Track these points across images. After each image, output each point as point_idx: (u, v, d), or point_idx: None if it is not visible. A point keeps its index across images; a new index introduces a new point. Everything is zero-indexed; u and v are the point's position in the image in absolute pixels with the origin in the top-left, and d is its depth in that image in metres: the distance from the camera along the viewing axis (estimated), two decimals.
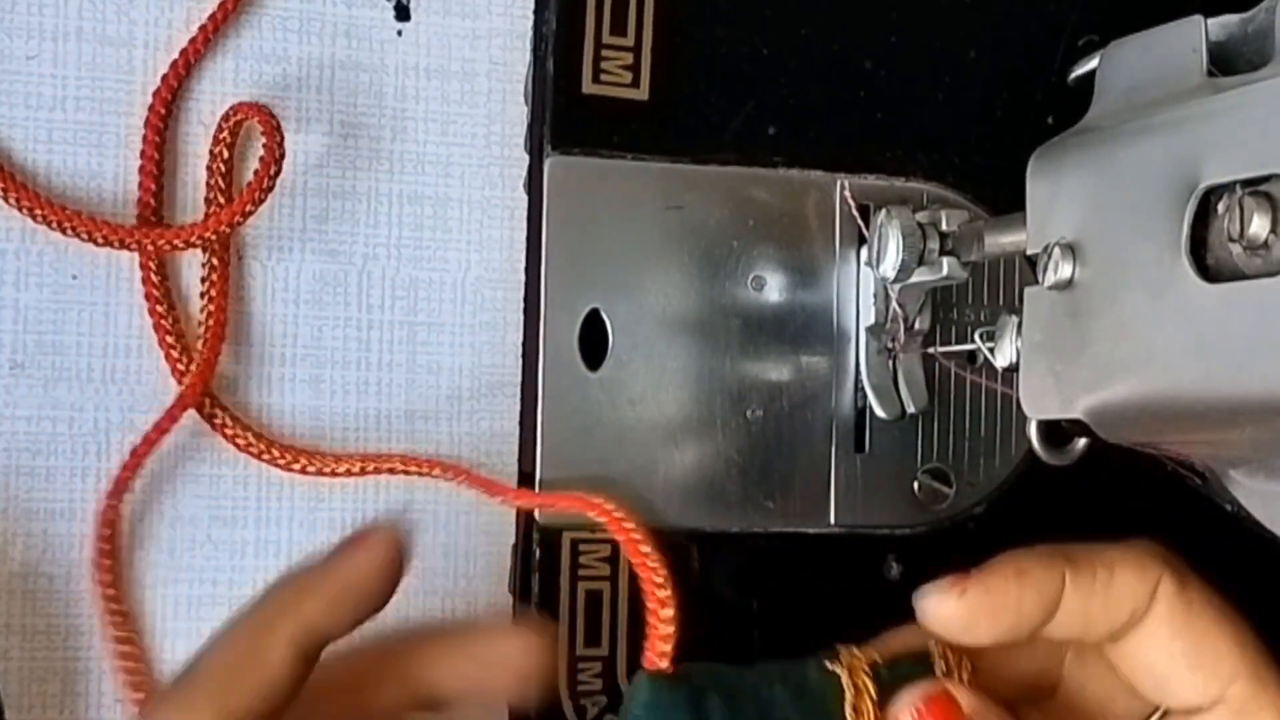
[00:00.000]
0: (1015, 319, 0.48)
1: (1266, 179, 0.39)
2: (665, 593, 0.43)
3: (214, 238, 0.47)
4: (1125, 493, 0.55)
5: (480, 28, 0.52)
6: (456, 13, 0.51)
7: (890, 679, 0.47)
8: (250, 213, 0.47)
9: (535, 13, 0.51)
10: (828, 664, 0.47)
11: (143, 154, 0.48)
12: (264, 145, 0.47)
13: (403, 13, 0.51)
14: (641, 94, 0.51)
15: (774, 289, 0.52)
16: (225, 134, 0.48)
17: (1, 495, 0.48)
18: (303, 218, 0.50)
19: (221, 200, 0.48)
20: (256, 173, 0.47)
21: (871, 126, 0.53)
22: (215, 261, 0.48)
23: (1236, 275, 0.40)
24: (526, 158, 0.51)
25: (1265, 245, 0.39)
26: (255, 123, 0.47)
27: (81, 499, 0.48)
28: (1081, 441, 0.50)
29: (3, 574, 0.47)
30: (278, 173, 0.47)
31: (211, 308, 0.48)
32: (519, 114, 0.52)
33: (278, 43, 0.50)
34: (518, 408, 0.51)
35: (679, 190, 0.52)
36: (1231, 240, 0.40)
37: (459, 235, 0.51)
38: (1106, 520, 0.55)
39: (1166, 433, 0.45)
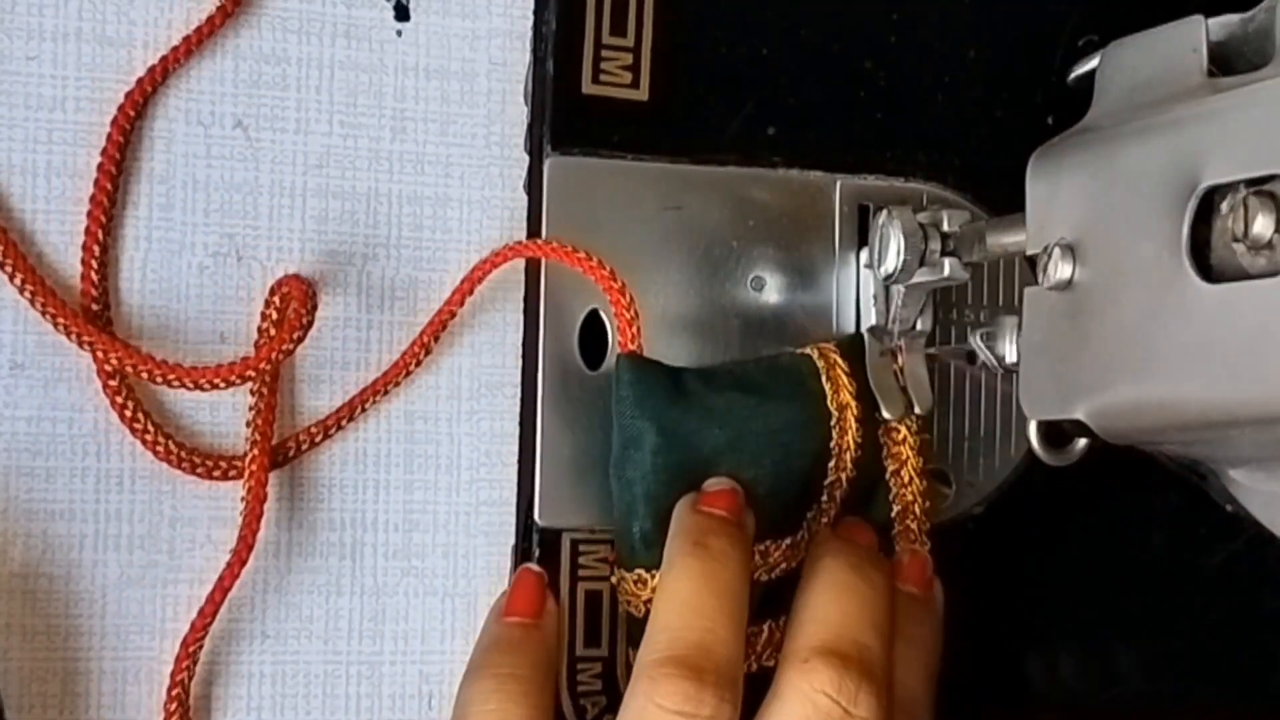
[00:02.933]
0: (1015, 319, 0.48)
1: (1270, 179, 0.39)
2: (632, 312, 0.48)
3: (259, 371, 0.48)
4: (1125, 493, 0.55)
5: (480, 28, 0.51)
6: (456, 13, 0.51)
7: (858, 352, 0.51)
8: (282, 356, 0.48)
9: (535, 13, 0.51)
10: (795, 350, 0.51)
11: (103, 152, 0.48)
12: (294, 311, 0.48)
13: (402, 13, 0.51)
14: (641, 94, 0.51)
15: (774, 289, 0.52)
16: (272, 309, 0.49)
17: (1, 495, 0.48)
18: (302, 218, 0.50)
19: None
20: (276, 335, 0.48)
21: (871, 126, 0.53)
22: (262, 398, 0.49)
23: (1239, 275, 0.40)
24: (526, 158, 0.51)
25: (1269, 245, 0.39)
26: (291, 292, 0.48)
27: (81, 499, 0.48)
28: (1081, 442, 0.50)
29: (2, 574, 0.47)
30: (300, 338, 0.48)
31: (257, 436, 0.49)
32: (519, 114, 0.52)
33: (277, 43, 0.50)
34: (518, 408, 0.51)
35: (679, 190, 0.52)
36: (1235, 240, 0.40)
37: (459, 235, 0.51)
38: (1106, 520, 0.55)
39: (1166, 433, 0.45)
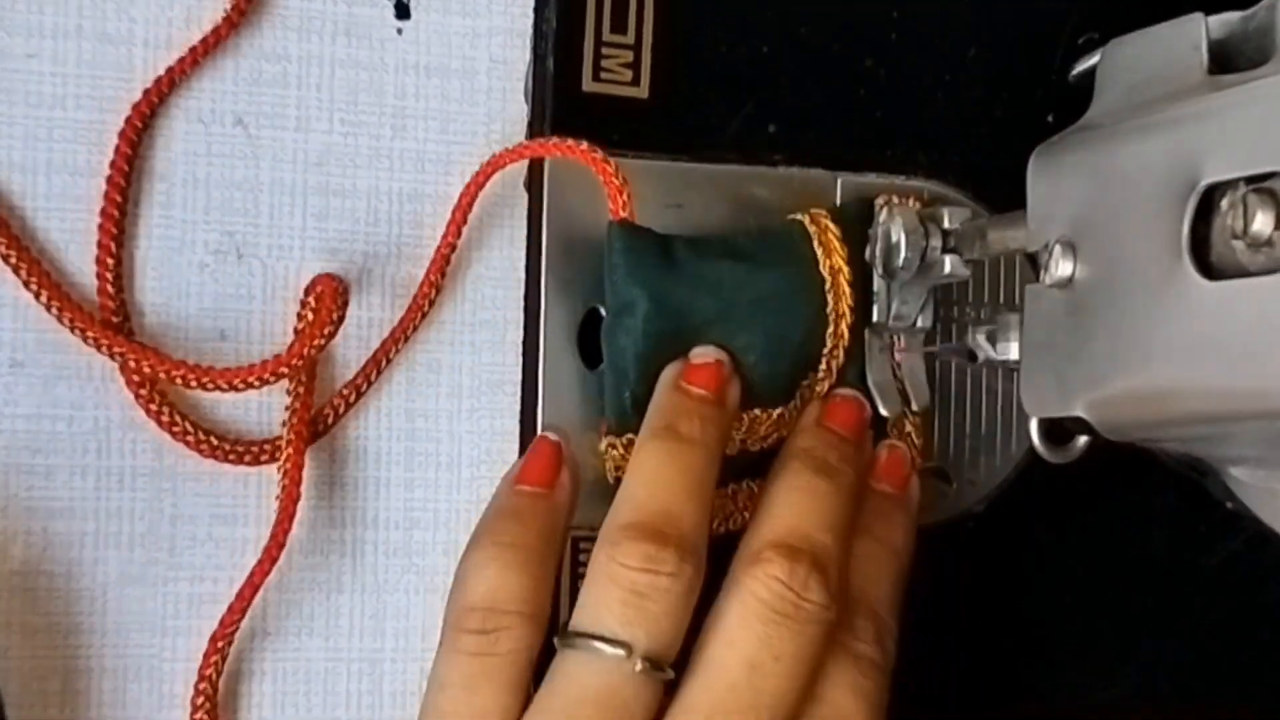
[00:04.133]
0: (1016, 316, 0.48)
1: (1270, 176, 0.39)
2: (621, 179, 0.48)
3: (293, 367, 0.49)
4: (1125, 491, 0.55)
5: (480, 26, 0.51)
6: (456, 11, 0.51)
7: (849, 217, 0.51)
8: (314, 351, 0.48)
9: (535, 11, 0.51)
10: (789, 217, 0.51)
11: (112, 164, 0.48)
12: (326, 308, 0.48)
13: (402, 11, 0.51)
14: (641, 92, 0.51)
15: None
16: (307, 308, 0.49)
17: (1, 493, 0.48)
18: (303, 216, 0.50)
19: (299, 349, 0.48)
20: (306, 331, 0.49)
21: (872, 125, 0.54)
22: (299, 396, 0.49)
23: (1239, 272, 0.40)
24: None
25: (1269, 242, 0.39)
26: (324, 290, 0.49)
27: (81, 497, 0.48)
28: (1082, 439, 0.50)
29: (2, 572, 0.47)
30: (332, 334, 0.48)
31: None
32: (519, 112, 0.52)
33: (277, 41, 0.50)
34: (518, 407, 0.51)
35: (679, 189, 0.52)
36: (1235, 237, 0.40)
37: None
38: (1107, 518, 0.55)
39: (1167, 430, 0.45)
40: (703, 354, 0.48)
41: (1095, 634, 0.56)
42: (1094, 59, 0.48)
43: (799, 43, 0.53)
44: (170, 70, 0.48)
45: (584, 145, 0.48)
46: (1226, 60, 0.43)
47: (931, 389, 0.52)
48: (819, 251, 0.50)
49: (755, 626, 0.44)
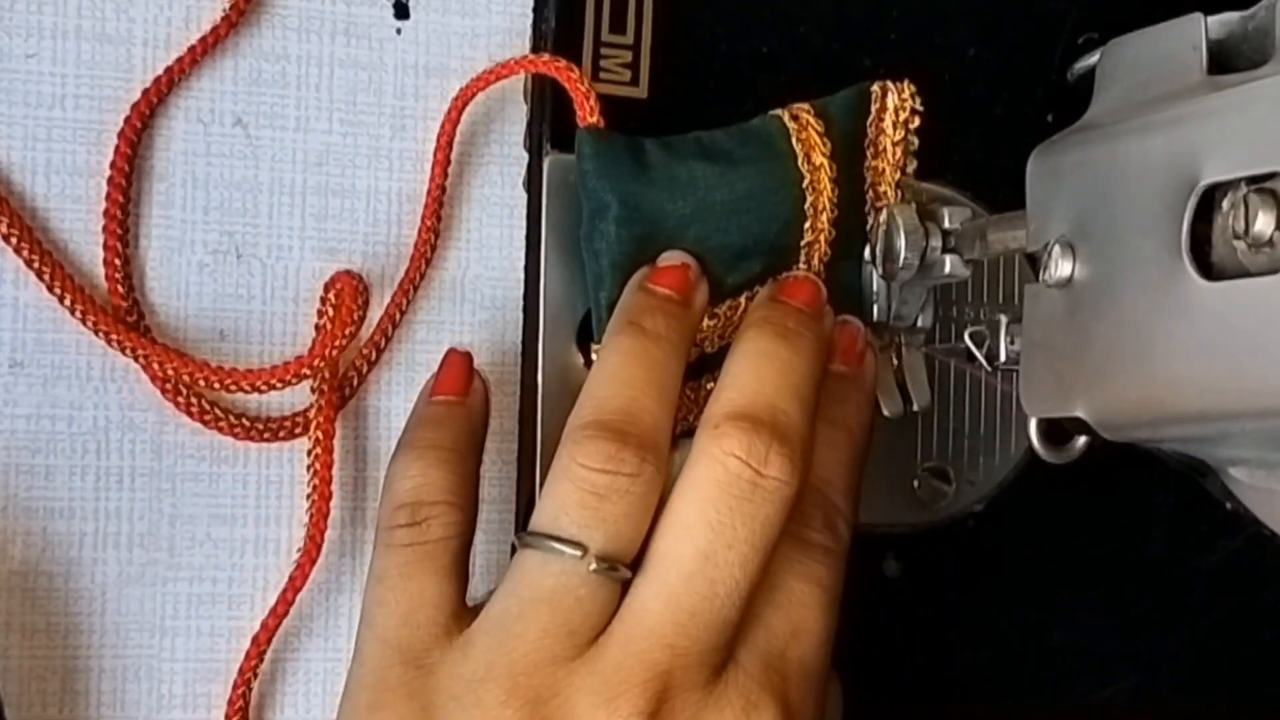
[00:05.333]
0: (1007, 317, 0.49)
1: (1271, 176, 0.39)
2: (586, 87, 0.48)
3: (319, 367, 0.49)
4: (1125, 491, 0.55)
5: (479, 26, 0.51)
6: (456, 11, 0.51)
7: (834, 112, 0.50)
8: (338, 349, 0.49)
9: (534, 11, 0.51)
10: (768, 113, 0.50)
11: (113, 165, 0.48)
12: (346, 307, 0.49)
13: (402, 11, 0.51)
14: (641, 92, 0.51)
15: None
16: (328, 305, 0.50)
17: (1, 493, 0.48)
18: (302, 216, 0.50)
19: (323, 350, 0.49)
20: (329, 327, 0.49)
21: None
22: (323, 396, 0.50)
23: (1240, 272, 0.40)
24: (526, 156, 0.51)
25: (1270, 242, 0.39)
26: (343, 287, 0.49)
27: (81, 497, 0.48)
28: (1081, 440, 0.50)
29: (2, 572, 0.47)
30: (354, 333, 0.49)
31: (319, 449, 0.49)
32: (518, 112, 0.52)
33: (277, 41, 0.50)
34: (517, 406, 0.51)
35: None
36: (1235, 237, 0.40)
37: (458, 234, 0.51)
38: (1107, 519, 0.55)
39: (1166, 431, 0.45)
40: (670, 257, 0.48)
41: (1095, 634, 0.56)
42: (1094, 59, 0.48)
43: (799, 43, 0.53)
44: (170, 70, 0.48)
45: (545, 58, 0.49)
46: (1226, 60, 0.43)
47: (931, 389, 0.52)
48: (797, 148, 0.49)
49: (709, 513, 0.43)
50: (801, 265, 0.50)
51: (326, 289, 0.49)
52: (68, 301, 0.47)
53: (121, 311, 0.48)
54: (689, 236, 0.48)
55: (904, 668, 0.51)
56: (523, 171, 0.51)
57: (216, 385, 0.48)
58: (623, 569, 0.43)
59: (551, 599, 0.43)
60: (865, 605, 0.52)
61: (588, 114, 0.48)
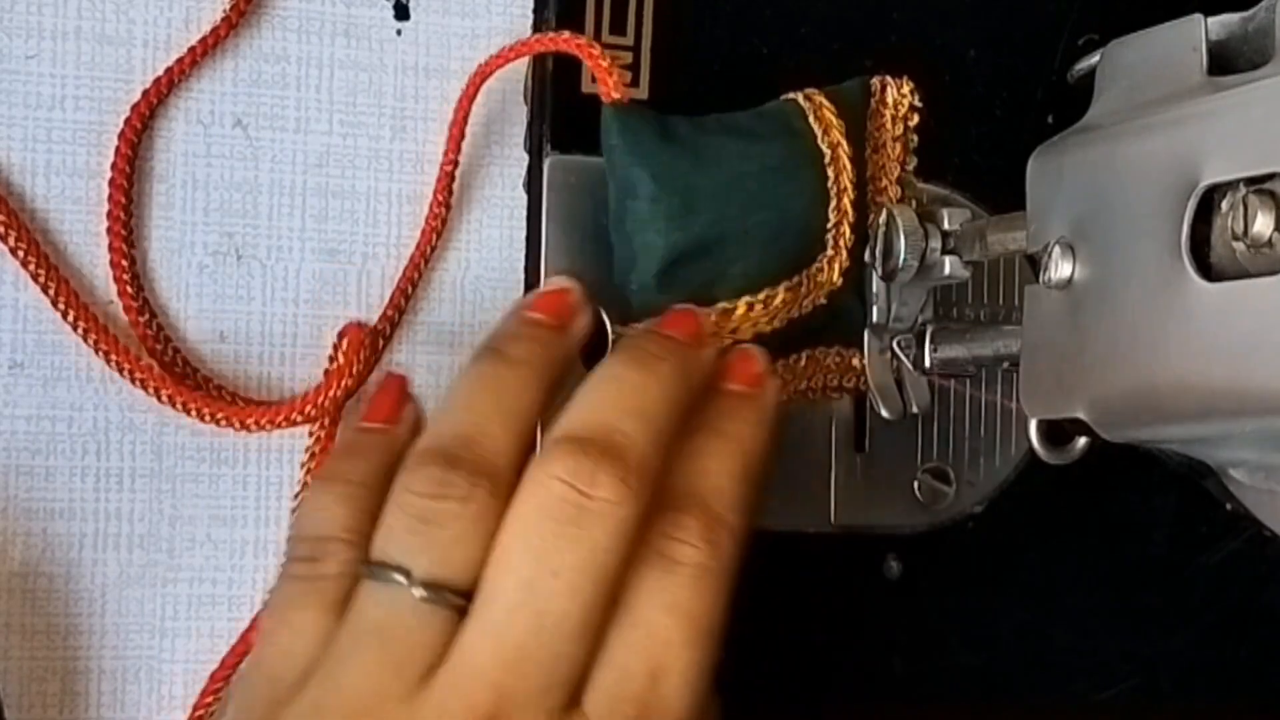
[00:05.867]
0: (931, 326, 0.50)
1: (1270, 177, 0.39)
2: (608, 61, 0.48)
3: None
4: (1125, 492, 0.55)
5: (480, 27, 0.51)
6: (456, 12, 0.51)
7: (845, 98, 0.50)
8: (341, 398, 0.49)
9: (534, 12, 0.51)
10: (781, 97, 0.50)
11: (113, 166, 0.48)
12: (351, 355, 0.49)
13: (402, 12, 0.51)
14: (641, 93, 0.51)
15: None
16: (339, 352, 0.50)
17: (1, 494, 0.48)
18: (302, 217, 0.50)
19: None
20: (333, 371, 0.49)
21: None
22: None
23: (1239, 274, 0.40)
24: (526, 157, 0.51)
25: (1269, 243, 0.39)
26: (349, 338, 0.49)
27: (81, 498, 0.48)
28: (1082, 441, 0.50)
29: (2, 573, 0.47)
30: (361, 379, 0.49)
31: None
32: (519, 113, 0.52)
33: (276, 42, 0.50)
34: None
35: None
36: (1235, 239, 0.40)
37: (459, 235, 0.51)
38: (1107, 520, 0.55)
39: (1166, 432, 0.45)
40: (552, 283, 0.47)
41: (1095, 635, 0.56)
42: (1094, 60, 0.48)
43: (799, 43, 0.53)
44: (170, 70, 0.48)
45: (566, 35, 0.49)
46: (1226, 61, 0.43)
47: (931, 390, 0.52)
48: (815, 126, 0.49)
49: (530, 539, 0.41)
50: (830, 248, 0.49)
51: (339, 336, 0.50)
52: (70, 319, 0.48)
53: (132, 312, 0.48)
54: (725, 212, 0.48)
55: (904, 668, 0.51)
56: (523, 173, 0.51)
57: (221, 421, 0.48)
58: (453, 597, 0.41)
59: (379, 631, 0.41)
60: (865, 606, 0.53)
61: (611, 89, 0.48)
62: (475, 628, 0.41)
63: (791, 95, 0.50)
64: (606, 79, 0.48)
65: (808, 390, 0.50)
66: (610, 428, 0.42)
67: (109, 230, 0.48)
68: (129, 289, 0.48)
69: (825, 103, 0.50)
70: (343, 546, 0.43)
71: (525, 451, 0.43)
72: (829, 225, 0.49)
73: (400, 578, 0.41)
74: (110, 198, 0.48)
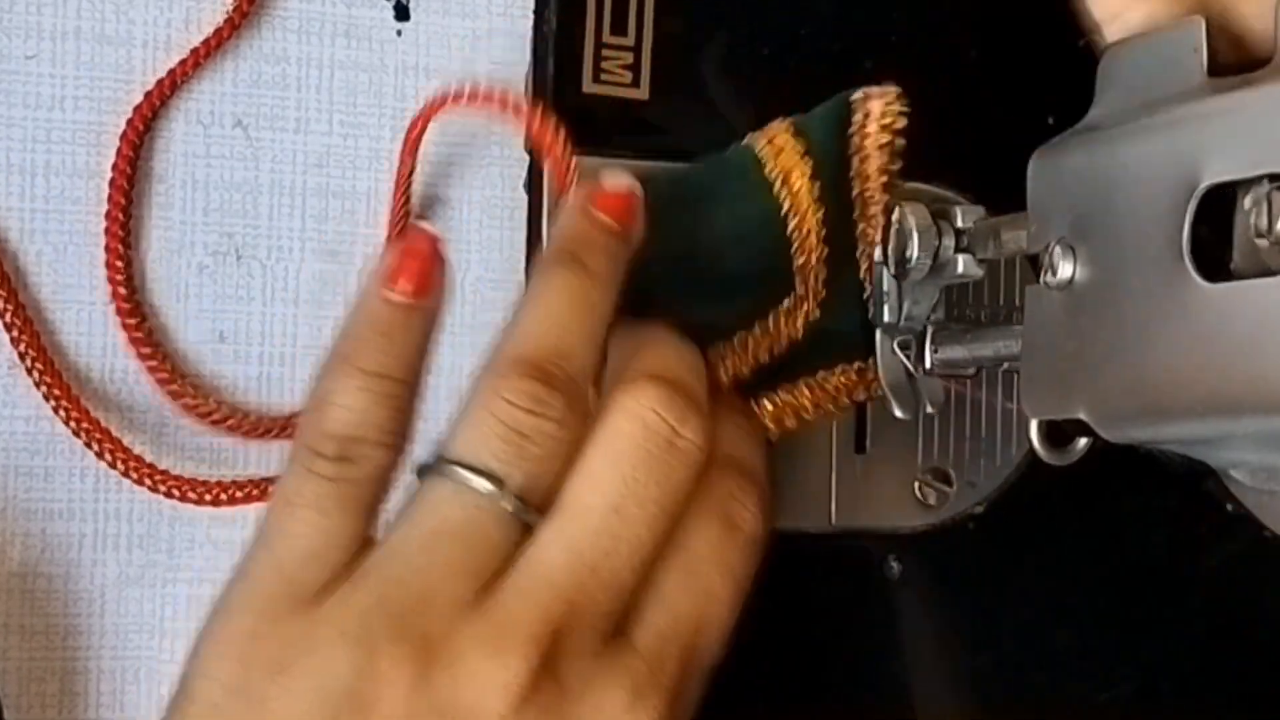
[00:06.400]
0: (931, 327, 0.50)
1: None
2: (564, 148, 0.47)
3: None
4: (1125, 493, 0.55)
5: (480, 27, 0.51)
6: (456, 12, 0.51)
7: (814, 126, 0.49)
8: None
9: (535, 12, 0.51)
10: (741, 143, 0.49)
11: (111, 183, 0.48)
12: None
13: (402, 12, 0.51)
14: (642, 94, 0.51)
15: None
16: None
17: (0, 494, 0.48)
18: (302, 217, 0.50)
19: None
20: None
21: None
22: None
23: (1263, 271, 0.40)
24: (526, 157, 0.51)
25: None
26: None
27: (80, 499, 0.48)
28: (1082, 441, 0.50)
29: (2, 573, 0.47)
30: None
31: None
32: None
33: (277, 42, 0.50)
34: None
35: None
36: (1259, 236, 0.40)
37: (459, 235, 0.51)
38: (1107, 520, 0.55)
39: (1167, 432, 0.45)
40: (615, 181, 0.46)
41: (1095, 635, 0.55)
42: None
43: (799, 44, 0.53)
44: (172, 72, 0.48)
45: (537, 113, 0.47)
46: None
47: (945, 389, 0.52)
48: (773, 176, 0.49)
49: (622, 465, 0.42)
50: (799, 289, 0.49)
51: None
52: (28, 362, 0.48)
53: (124, 313, 0.48)
54: (676, 272, 0.48)
55: (904, 669, 0.51)
56: (523, 173, 0.51)
57: (148, 484, 0.48)
58: (534, 513, 0.42)
59: (460, 534, 0.41)
60: (865, 606, 0.53)
61: (564, 179, 0.47)
62: (553, 540, 0.41)
63: (751, 140, 0.49)
64: (557, 166, 0.47)
65: (816, 411, 0.50)
66: (688, 379, 0.44)
67: (107, 231, 0.48)
68: (123, 290, 0.48)
69: (790, 142, 0.49)
70: (380, 450, 0.42)
71: (599, 369, 0.44)
72: (795, 267, 0.49)
73: (490, 485, 0.41)
74: (110, 198, 0.48)
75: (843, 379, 0.50)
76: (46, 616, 0.48)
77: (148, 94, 0.48)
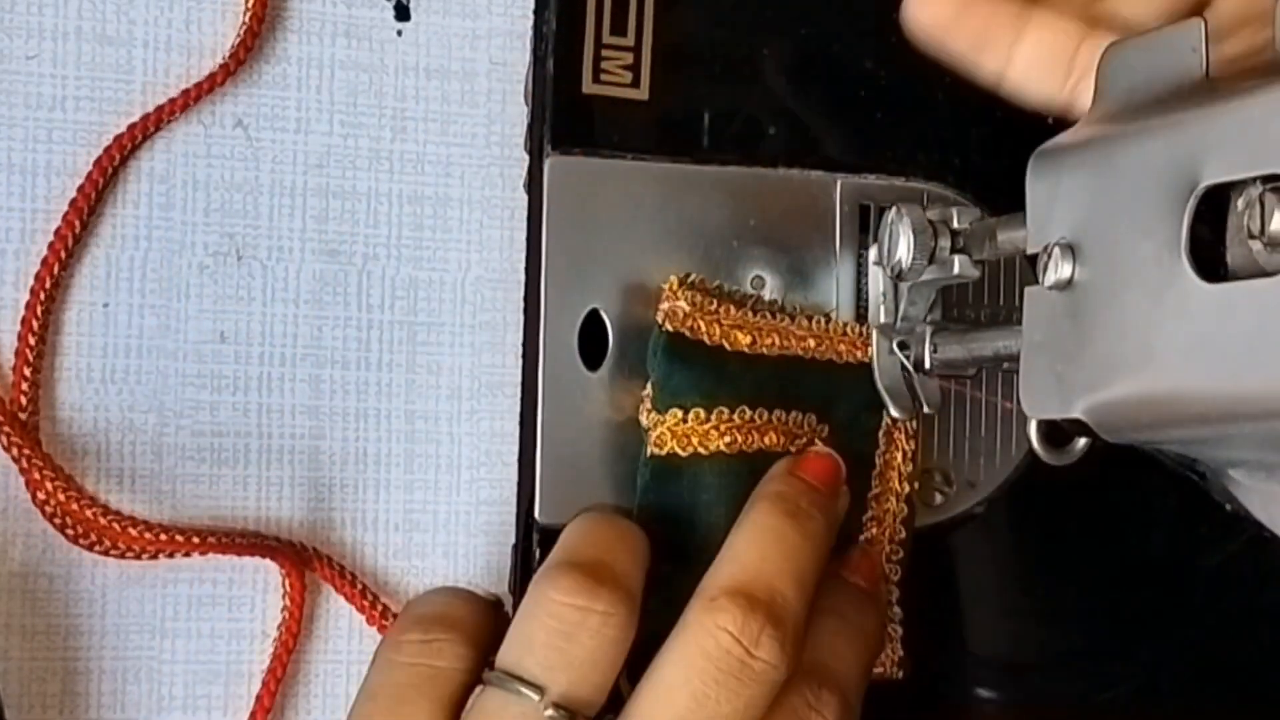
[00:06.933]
0: (930, 328, 0.50)
1: None
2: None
3: None
4: (1125, 493, 0.55)
5: (480, 27, 0.52)
6: (456, 12, 0.51)
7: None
8: None
9: (535, 12, 0.51)
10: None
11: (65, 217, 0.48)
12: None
13: (402, 12, 0.51)
14: (641, 94, 0.51)
15: (774, 289, 0.52)
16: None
17: (1, 495, 0.48)
18: (303, 218, 0.50)
19: None
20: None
21: (872, 126, 0.53)
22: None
23: (1256, 272, 0.40)
24: (526, 158, 0.51)
25: None
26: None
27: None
28: (1082, 441, 0.50)
29: (2, 574, 0.47)
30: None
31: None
32: (519, 114, 0.52)
33: (277, 42, 0.50)
34: (518, 408, 0.51)
35: (679, 190, 0.51)
36: (1251, 237, 0.40)
37: (459, 235, 0.51)
38: (1107, 520, 0.55)
39: (1166, 433, 0.45)
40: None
41: (1095, 636, 0.55)
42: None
43: (799, 44, 0.53)
44: (159, 109, 0.48)
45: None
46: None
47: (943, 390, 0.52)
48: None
49: (694, 682, 0.42)
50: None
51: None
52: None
53: (16, 406, 0.48)
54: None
55: (904, 669, 0.51)
56: (523, 173, 0.51)
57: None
58: (583, 716, 0.42)
59: None
60: None
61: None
62: None
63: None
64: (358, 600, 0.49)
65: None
66: (774, 589, 0.44)
67: (19, 335, 0.48)
68: (24, 396, 0.48)
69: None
70: (461, 638, 0.44)
71: (644, 574, 0.45)
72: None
73: (531, 693, 0.42)
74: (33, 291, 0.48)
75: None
76: (48, 617, 0.48)
77: (130, 127, 0.48)
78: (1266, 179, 0.40)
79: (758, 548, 0.45)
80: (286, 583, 0.49)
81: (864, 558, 0.49)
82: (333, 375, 0.50)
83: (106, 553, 0.47)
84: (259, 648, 0.49)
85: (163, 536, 0.47)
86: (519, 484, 0.51)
